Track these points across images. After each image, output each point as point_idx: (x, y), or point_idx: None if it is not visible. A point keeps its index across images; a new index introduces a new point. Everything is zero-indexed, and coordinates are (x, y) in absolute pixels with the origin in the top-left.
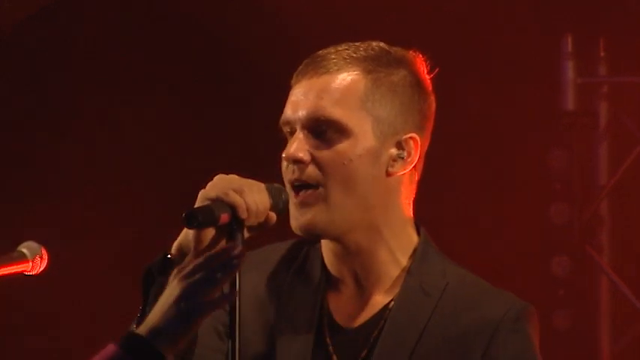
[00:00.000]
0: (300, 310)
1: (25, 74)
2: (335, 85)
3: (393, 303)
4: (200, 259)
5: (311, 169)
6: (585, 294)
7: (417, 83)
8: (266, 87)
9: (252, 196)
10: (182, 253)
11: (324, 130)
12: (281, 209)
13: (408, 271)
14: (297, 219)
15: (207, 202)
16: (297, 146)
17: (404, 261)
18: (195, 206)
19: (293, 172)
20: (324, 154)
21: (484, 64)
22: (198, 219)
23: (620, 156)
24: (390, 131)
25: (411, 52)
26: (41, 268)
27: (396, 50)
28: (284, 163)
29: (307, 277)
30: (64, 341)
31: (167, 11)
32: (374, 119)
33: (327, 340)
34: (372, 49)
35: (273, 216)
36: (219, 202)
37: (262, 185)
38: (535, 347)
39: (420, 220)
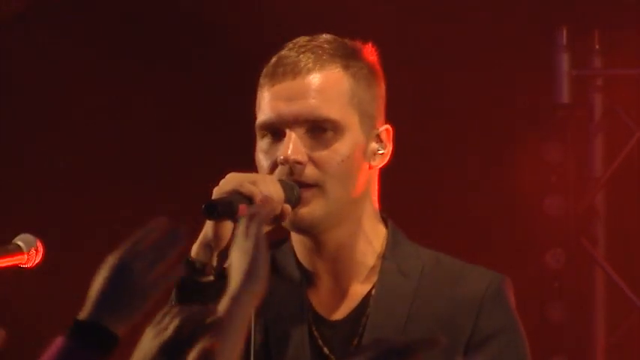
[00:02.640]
0: (286, 309)
1: (19, 71)
2: (323, 84)
3: (374, 290)
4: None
5: (309, 170)
6: (580, 286)
7: (378, 72)
8: None
9: (266, 187)
10: (205, 252)
11: (319, 129)
12: (294, 203)
13: (384, 257)
14: (297, 215)
15: (224, 195)
16: (294, 148)
17: (378, 249)
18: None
19: (291, 173)
20: (322, 154)
21: (478, 56)
22: (218, 209)
23: (615, 148)
24: (372, 124)
25: (357, 41)
26: (37, 261)
27: (348, 41)
28: (270, 164)
29: (283, 277)
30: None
31: (167, 11)
32: (360, 115)
33: (315, 333)
34: (334, 43)
35: (288, 208)
36: (235, 194)
37: (274, 178)
38: (517, 316)
39: (414, 213)
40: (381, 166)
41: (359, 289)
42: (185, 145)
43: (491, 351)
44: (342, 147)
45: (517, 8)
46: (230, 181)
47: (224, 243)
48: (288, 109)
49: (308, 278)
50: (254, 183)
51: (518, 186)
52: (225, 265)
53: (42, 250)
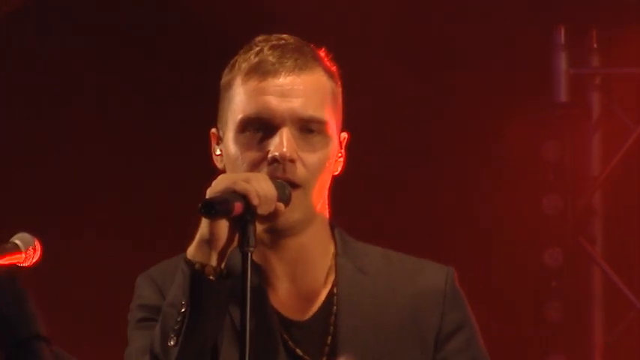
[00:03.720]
0: (253, 315)
1: (17, 70)
2: (313, 85)
3: (336, 288)
4: None
5: (300, 170)
6: (578, 285)
7: (340, 78)
8: None
9: (259, 184)
10: (203, 252)
11: (308, 130)
12: (286, 202)
13: (338, 255)
14: (281, 215)
15: (218, 194)
16: (290, 146)
17: (332, 249)
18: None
19: (283, 170)
20: (312, 157)
21: (476, 55)
22: (215, 207)
23: (613, 147)
24: (340, 130)
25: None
26: (34, 260)
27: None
28: (256, 159)
29: (238, 277)
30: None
31: (166, 10)
32: (336, 120)
33: (284, 335)
34: (307, 46)
35: (282, 206)
36: (230, 193)
37: (266, 176)
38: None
39: (414, 212)
40: (337, 173)
41: (320, 289)
42: (184, 145)
43: (458, 344)
44: (327, 150)
45: (515, 7)
46: (223, 181)
47: (221, 242)
48: (281, 105)
49: (264, 279)
50: (247, 181)
51: (517, 185)
52: (223, 266)
53: (40, 249)
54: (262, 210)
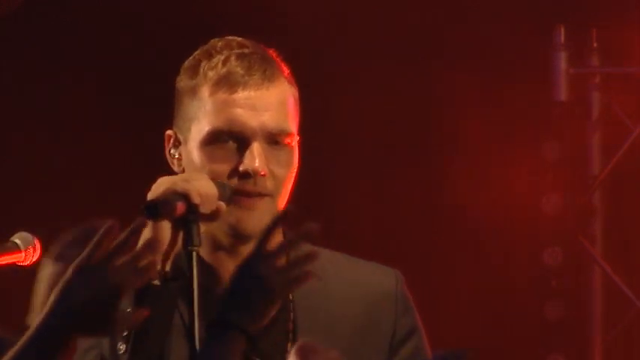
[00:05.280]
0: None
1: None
2: (281, 98)
3: (291, 295)
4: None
5: (269, 182)
6: (578, 284)
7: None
8: None
9: (199, 183)
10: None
11: (276, 142)
12: (227, 201)
13: (289, 262)
14: (246, 222)
15: (160, 196)
16: (261, 160)
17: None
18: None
19: (254, 184)
20: (280, 169)
21: (476, 55)
22: (159, 209)
23: (613, 146)
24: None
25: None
26: (34, 259)
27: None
28: (228, 172)
29: (181, 285)
30: None
31: (165, 9)
32: (296, 126)
33: None
34: (266, 52)
35: (223, 205)
36: (171, 193)
37: (205, 175)
38: None
39: (413, 212)
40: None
41: None
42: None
43: (411, 349)
44: (293, 160)
45: (515, 7)
46: (163, 183)
47: (164, 245)
48: (252, 119)
49: (214, 280)
50: (187, 181)
51: (516, 184)
52: (168, 269)
53: (39, 248)
54: (204, 209)
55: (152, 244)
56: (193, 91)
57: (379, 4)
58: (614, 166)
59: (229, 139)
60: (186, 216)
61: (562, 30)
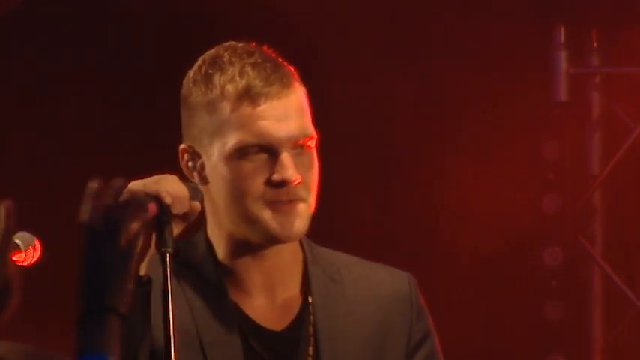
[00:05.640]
0: (216, 321)
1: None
2: (300, 103)
3: (311, 297)
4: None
5: (300, 189)
6: (578, 284)
7: None
8: None
9: (169, 184)
10: None
11: (302, 148)
12: (199, 200)
13: (308, 263)
14: (290, 227)
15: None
16: (293, 169)
17: (300, 256)
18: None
19: (287, 193)
20: (308, 174)
21: (476, 54)
22: (129, 208)
23: (613, 146)
24: None
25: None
26: (34, 259)
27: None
28: (262, 183)
29: (201, 278)
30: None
31: (165, 9)
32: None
33: (256, 346)
34: (273, 57)
35: (197, 205)
36: (142, 195)
37: (175, 177)
38: None
39: (412, 212)
40: None
41: (294, 297)
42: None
43: (426, 351)
44: (316, 164)
45: (515, 6)
46: (133, 187)
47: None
48: (280, 130)
49: (234, 282)
50: (157, 183)
51: (516, 184)
52: (142, 273)
53: (40, 248)
54: (176, 209)
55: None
56: (212, 106)
57: (379, 5)
58: (614, 166)
59: (258, 152)
60: (159, 217)
61: (562, 30)
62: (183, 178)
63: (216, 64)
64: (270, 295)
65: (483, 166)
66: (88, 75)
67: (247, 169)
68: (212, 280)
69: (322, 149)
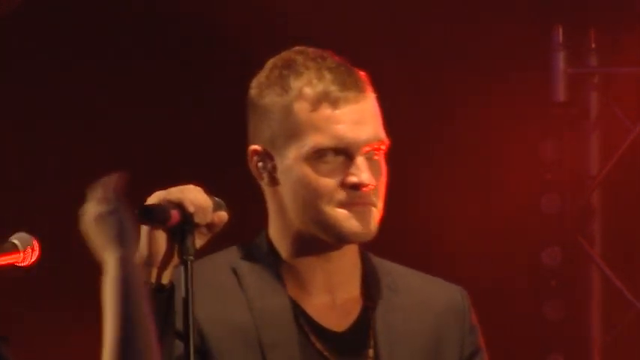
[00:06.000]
0: (276, 320)
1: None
2: (374, 107)
3: (370, 302)
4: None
5: (372, 195)
6: (576, 285)
7: None
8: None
9: (192, 194)
10: (143, 270)
11: (377, 155)
12: (224, 211)
13: (367, 270)
14: (363, 228)
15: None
16: (367, 174)
17: (359, 263)
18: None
19: (360, 196)
20: (379, 179)
21: (474, 54)
22: (152, 213)
23: (612, 146)
24: None
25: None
26: (32, 260)
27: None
28: (336, 184)
29: (263, 277)
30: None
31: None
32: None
33: (317, 345)
34: (345, 62)
35: (224, 215)
36: (165, 201)
37: (199, 188)
38: None
39: (413, 212)
40: None
41: (354, 301)
42: (186, 141)
43: None
44: (386, 170)
45: (513, 7)
46: (157, 195)
47: (160, 257)
48: (357, 133)
49: (295, 281)
50: (181, 192)
51: (515, 184)
52: (165, 282)
53: (38, 249)
54: (199, 219)
55: None
56: (288, 109)
57: (379, 5)
58: (612, 166)
59: (334, 154)
60: (182, 225)
61: (560, 30)
62: (207, 191)
63: (290, 67)
64: (330, 295)
65: (482, 166)
66: (88, 75)
67: (322, 170)
68: (273, 280)
69: None
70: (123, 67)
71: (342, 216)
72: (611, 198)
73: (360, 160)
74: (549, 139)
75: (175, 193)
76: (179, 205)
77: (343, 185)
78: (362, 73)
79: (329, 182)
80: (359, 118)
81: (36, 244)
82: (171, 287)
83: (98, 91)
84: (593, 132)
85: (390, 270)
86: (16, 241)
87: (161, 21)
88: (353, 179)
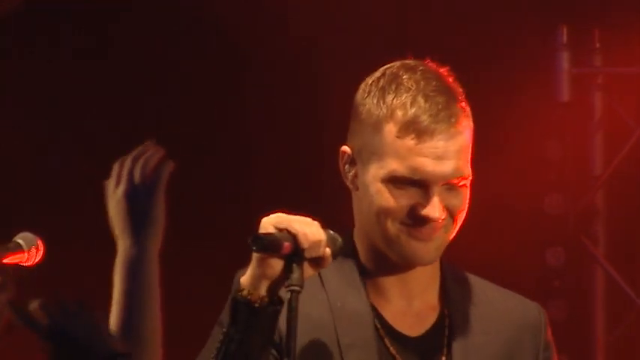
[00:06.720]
0: (355, 322)
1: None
2: (464, 144)
3: (446, 310)
4: None
5: (441, 225)
6: (580, 285)
7: None
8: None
9: (310, 229)
10: (254, 283)
11: (459, 185)
12: (335, 252)
13: (446, 280)
14: (423, 253)
15: (270, 231)
16: (440, 209)
17: (438, 272)
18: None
19: (427, 227)
20: (455, 205)
21: (478, 54)
22: (264, 242)
23: (615, 146)
24: None
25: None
26: (37, 259)
27: (451, 80)
28: (406, 208)
29: (345, 279)
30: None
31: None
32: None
33: (391, 349)
34: (448, 88)
35: (329, 252)
36: (281, 232)
37: (317, 223)
38: None
39: None
40: None
41: (431, 308)
42: (191, 144)
43: None
44: (466, 201)
45: (517, 7)
46: (275, 219)
47: (272, 277)
48: (436, 169)
49: (373, 286)
50: (300, 224)
51: (518, 184)
52: (275, 297)
53: (42, 248)
54: (310, 253)
55: None
56: (378, 126)
57: (379, 5)
58: (616, 166)
59: (410, 184)
60: (290, 256)
61: (564, 30)
62: (325, 226)
63: (393, 82)
64: (407, 302)
65: (485, 166)
66: (88, 75)
67: (395, 194)
68: (354, 281)
69: (322, 149)
70: (123, 67)
71: (403, 239)
72: (615, 198)
73: (436, 195)
74: (553, 139)
75: (295, 224)
76: (294, 238)
77: (413, 211)
78: (462, 105)
79: (399, 205)
80: (441, 153)
81: (40, 243)
82: (280, 305)
83: (99, 91)
84: (596, 132)
85: (470, 281)
86: (20, 241)
87: (161, 21)
88: (423, 212)
